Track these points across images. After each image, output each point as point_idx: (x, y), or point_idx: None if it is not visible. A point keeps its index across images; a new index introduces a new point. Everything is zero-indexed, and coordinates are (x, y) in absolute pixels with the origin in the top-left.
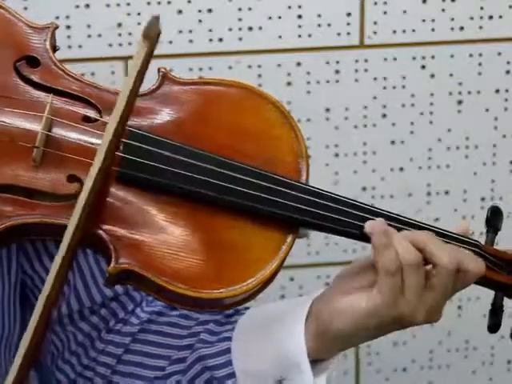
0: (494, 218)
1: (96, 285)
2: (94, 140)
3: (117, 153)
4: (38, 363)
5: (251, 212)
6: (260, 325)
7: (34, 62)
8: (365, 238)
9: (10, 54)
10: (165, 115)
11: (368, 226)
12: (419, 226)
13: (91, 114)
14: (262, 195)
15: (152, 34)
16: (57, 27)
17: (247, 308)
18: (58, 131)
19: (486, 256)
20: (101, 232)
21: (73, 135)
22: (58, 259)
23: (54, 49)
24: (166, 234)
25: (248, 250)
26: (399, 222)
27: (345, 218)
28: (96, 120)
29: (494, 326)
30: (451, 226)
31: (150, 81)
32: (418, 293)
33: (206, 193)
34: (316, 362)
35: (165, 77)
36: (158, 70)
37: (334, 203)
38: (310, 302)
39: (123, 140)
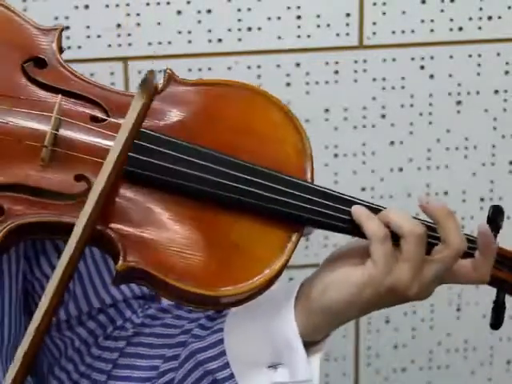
0: (495, 217)
1: (95, 291)
2: (101, 140)
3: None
4: (34, 370)
5: (258, 211)
6: (250, 308)
7: (41, 63)
8: None
9: (18, 55)
10: (172, 116)
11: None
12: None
13: (98, 114)
14: (269, 195)
15: (149, 88)
16: (63, 29)
17: None
18: (66, 131)
19: None
20: (109, 231)
21: (81, 135)
22: (64, 258)
23: (61, 50)
24: (173, 232)
25: (254, 248)
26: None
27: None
28: (103, 120)
29: (496, 322)
30: None
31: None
32: (413, 260)
33: (214, 192)
34: (309, 344)
35: (170, 78)
36: (164, 70)
37: (337, 202)
38: (301, 282)
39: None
